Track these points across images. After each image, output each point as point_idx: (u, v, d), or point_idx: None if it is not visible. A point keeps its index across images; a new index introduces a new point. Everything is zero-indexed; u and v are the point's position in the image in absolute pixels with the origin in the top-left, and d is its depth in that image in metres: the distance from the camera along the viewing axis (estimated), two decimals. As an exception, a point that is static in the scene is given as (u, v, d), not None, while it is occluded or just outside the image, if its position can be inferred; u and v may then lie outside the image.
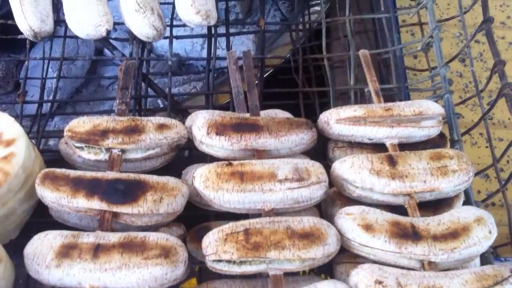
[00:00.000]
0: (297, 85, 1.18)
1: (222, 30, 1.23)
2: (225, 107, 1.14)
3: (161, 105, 1.34)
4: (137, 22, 1.12)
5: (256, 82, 1.10)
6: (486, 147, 1.69)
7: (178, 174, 0.98)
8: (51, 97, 1.39)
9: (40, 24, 1.12)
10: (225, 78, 1.29)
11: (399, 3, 1.35)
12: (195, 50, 1.72)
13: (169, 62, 1.19)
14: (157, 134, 0.94)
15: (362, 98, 1.15)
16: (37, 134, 1.11)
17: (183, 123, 1.03)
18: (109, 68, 1.75)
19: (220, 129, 0.94)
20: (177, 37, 1.22)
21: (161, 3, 1.19)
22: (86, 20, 1.12)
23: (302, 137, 0.97)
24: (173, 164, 1.03)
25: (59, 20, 1.20)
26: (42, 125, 1.13)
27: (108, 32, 1.12)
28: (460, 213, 0.88)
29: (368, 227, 0.84)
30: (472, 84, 1.76)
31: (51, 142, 1.22)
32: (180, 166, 1.01)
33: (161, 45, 1.62)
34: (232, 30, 1.34)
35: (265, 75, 1.20)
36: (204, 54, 1.70)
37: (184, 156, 1.10)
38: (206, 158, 0.99)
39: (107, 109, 1.66)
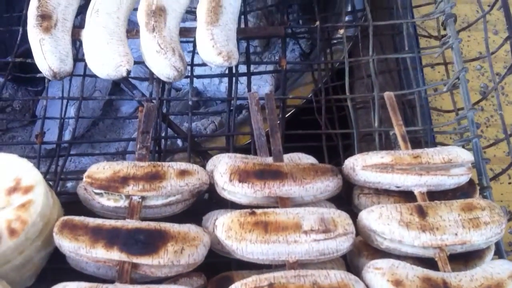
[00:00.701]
0: (319, 126, 1.15)
1: (242, 67, 1.21)
2: (246, 149, 1.11)
3: (181, 145, 1.32)
4: (158, 63, 1.11)
5: (278, 122, 1.08)
6: (510, 183, 1.65)
7: (198, 218, 0.95)
8: (68, 136, 1.39)
9: (60, 64, 1.11)
10: (245, 117, 1.27)
11: (422, 42, 1.32)
12: (213, 83, 1.71)
13: (190, 102, 1.17)
14: (178, 180, 0.92)
15: (387, 141, 1.12)
16: (54, 175, 1.09)
17: (204, 165, 1.01)
18: (126, 102, 1.74)
19: (243, 176, 0.91)
20: (198, 77, 1.20)
21: (181, 41, 1.17)
22: (106, 60, 1.10)
23: (327, 185, 0.94)
24: (193, 207, 1.01)
25: (78, 59, 1.19)
26: (59, 166, 1.11)
27: (129, 73, 1.11)
28: (493, 268, 0.84)
29: (398, 283, 0.80)
30: (494, 118, 1.75)
31: (69, 184, 1.20)
32: (200, 210, 0.98)
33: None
34: (252, 66, 1.32)
35: (286, 115, 1.17)
36: (222, 87, 1.70)
37: (204, 199, 1.07)
38: (227, 203, 0.96)
39: (123, 144, 1.65)
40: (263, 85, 1.60)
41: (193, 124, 1.60)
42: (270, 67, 1.56)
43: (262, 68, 1.57)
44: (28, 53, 1.18)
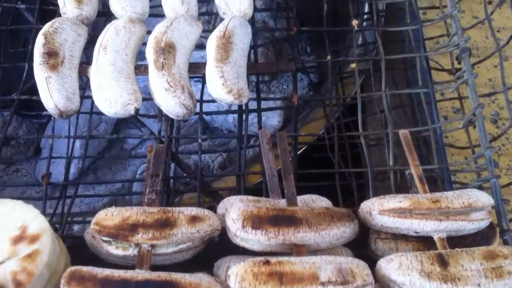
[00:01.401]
0: (332, 163, 1.12)
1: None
2: (257, 189, 1.08)
3: (189, 183, 1.29)
4: (167, 101, 1.08)
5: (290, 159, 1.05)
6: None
7: (209, 263, 0.92)
8: (74, 169, 1.36)
9: (66, 102, 1.08)
10: (255, 153, 1.24)
11: (435, 74, 1.30)
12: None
13: (199, 140, 1.14)
14: (189, 227, 0.89)
15: (403, 180, 1.09)
16: (60, 218, 1.06)
17: (213, 205, 0.98)
18: (133, 131, 1.71)
19: (256, 222, 0.88)
20: (207, 113, 1.18)
21: (190, 76, 1.15)
22: (114, 98, 1.08)
23: (343, 231, 0.91)
24: (204, 251, 0.98)
25: (85, 96, 1.16)
26: (66, 207, 1.08)
27: (137, 111, 1.08)
28: None
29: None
30: (506, 147, 1.72)
31: (75, 226, 1.17)
32: (211, 253, 0.95)
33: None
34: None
35: (298, 152, 1.15)
36: (230, 118, 1.67)
37: (215, 241, 1.04)
38: (239, 247, 0.93)
39: (129, 175, 1.62)
40: (271, 116, 1.58)
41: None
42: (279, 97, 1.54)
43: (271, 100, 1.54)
44: (34, 90, 1.15)
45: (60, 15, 1.22)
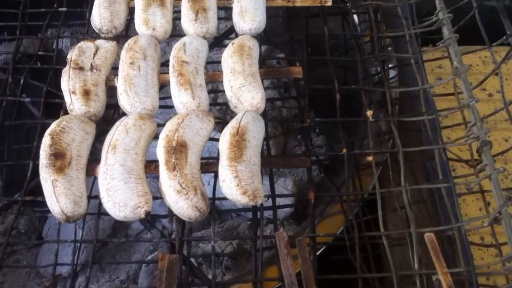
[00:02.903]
0: (353, 265, 1.06)
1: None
2: (275, 296, 1.02)
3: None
4: (179, 204, 1.03)
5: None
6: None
7: None
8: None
9: (74, 207, 1.03)
10: (271, 254, 1.18)
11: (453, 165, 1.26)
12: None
13: (212, 243, 1.08)
14: None
15: (429, 282, 1.03)
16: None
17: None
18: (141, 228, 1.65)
19: None
20: (220, 212, 1.13)
21: (202, 172, 1.10)
22: (123, 202, 1.03)
23: None
24: None
25: (92, 196, 1.11)
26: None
27: (148, 214, 1.03)
28: None
29: None
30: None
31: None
32: None
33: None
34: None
35: (317, 253, 1.09)
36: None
37: None
38: None
39: (134, 266, 1.56)
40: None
41: (209, 246, 1.52)
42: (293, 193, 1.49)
43: (287, 196, 1.50)
44: (39, 189, 1.10)
45: (66, 109, 1.19)
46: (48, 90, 1.29)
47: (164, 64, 1.31)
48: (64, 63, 1.30)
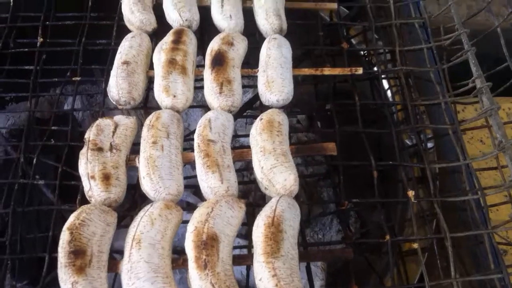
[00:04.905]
0: None
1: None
2: None
3: None
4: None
5: None
6: None
7: None
8: None
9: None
10: None
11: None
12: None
13: None
14: None
15: None
16: None
17: None
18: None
19: None
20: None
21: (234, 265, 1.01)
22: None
23: None
24: None
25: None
26: None
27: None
28: None
29: None
30: None
31: None
32: None
33: None
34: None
35: None
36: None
37: None
38: None
39: None
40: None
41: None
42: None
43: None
44: (55, 284, 1.01)
45: (83, 192, 1.10)
46: (63, 170, 1.20)
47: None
48: (78, 137, 1.23)
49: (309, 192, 1.65)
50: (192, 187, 1.41)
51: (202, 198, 1.15)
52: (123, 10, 1.41)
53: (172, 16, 1.39)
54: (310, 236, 1.58)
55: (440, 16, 1.50)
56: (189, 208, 1.45)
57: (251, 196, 1.63)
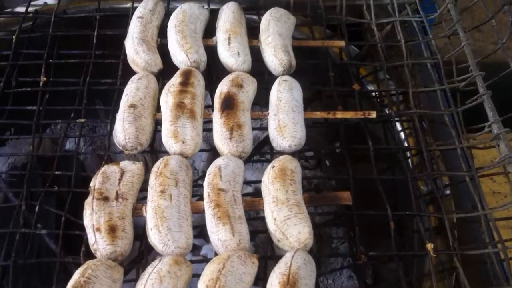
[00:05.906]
0: None
1: None
2: None
3: None
4: None
5: None
6: None
7: None
8: None
9: None
10: None
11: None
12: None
13: None
14: None
15: None
16: None
17: None
18: None
19: None
20: None
21: None
22: None
23: None
24: None
25: None
26: None
27: None
28: None
29: None
30: None
31: None
32: None
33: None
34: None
35: None
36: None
37: None
38: None
39: None
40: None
41: None
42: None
43: None
44: None
45: (87, 243, 1.05)
46: (66, 218, 1.15)
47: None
48: (82, 183, 1.18)
49: (317, 235, 1.60)
50: (196, 227, 1.36)
51: (207, 240, 1.11)
52: (127, 51, 1.37)
53: (179, 57, 1.35)
54: (320, 281, 1.53)
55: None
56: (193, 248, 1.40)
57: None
